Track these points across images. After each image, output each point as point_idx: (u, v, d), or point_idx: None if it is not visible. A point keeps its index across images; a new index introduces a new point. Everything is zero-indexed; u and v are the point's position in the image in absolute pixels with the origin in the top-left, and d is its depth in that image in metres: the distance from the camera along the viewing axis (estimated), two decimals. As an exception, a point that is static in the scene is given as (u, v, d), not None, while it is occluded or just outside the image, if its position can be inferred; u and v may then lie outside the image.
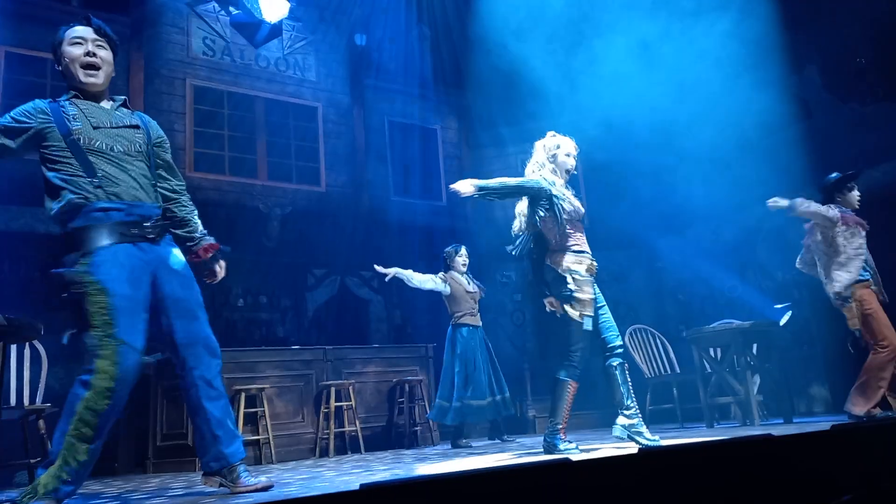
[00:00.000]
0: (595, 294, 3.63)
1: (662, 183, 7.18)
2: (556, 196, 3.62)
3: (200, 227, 2.76)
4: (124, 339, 2.31)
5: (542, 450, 3.68)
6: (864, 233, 4.48)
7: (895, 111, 6.24)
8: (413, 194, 9.03)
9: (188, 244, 2.72)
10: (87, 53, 2.47)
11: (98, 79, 2.49)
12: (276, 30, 8.14)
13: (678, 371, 6.07)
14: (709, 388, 5.51)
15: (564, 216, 3.59)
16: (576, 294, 3.53)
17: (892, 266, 4.78)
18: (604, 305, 3.67)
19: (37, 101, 2.46)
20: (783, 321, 5.73)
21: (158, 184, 2.62)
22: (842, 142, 6.50)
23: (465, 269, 5.76)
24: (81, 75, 2.46)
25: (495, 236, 8.77)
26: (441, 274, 5.70)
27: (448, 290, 5.62)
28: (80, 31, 2.51)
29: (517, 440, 5.62)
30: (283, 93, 8.20)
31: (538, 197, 3.64)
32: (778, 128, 6.97)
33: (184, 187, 2.74)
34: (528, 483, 1.81)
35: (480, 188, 3.57)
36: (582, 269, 3.59)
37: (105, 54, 2.54)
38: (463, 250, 5.83)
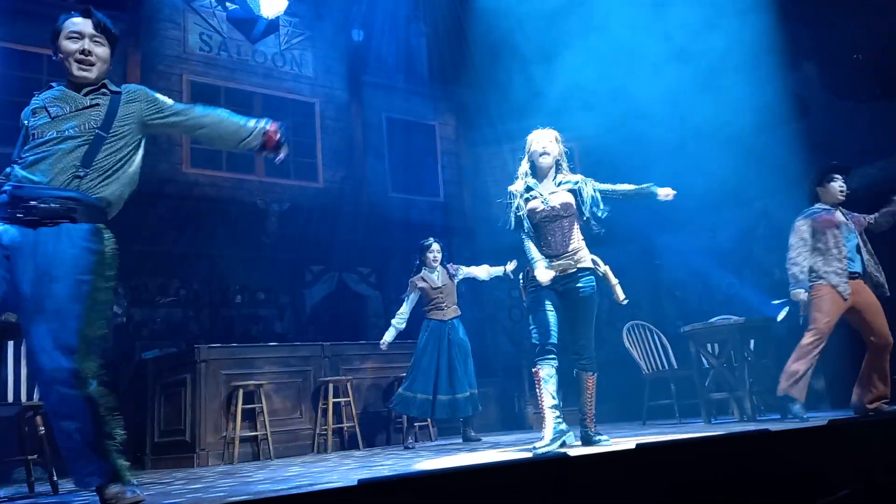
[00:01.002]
0: (566, 299, 3.70)
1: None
2: (512, 205, 3.73)
3: (247, 124, 2.63)
4: None
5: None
6: (836, 231, 4.51)
7: (893, 108, 6.24)
8: (411, 190, 9.03)
9: (242, 144, 2.64)
10: (83, 51, 2.43)
11: (91, 73, 2.45)
12: (272, 25, 8.13)
13: (676, 367, 6.08)
14: (706, 383, 5.52)
15: (525, 221, 3.70)
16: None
17: (889, 262, 4.78)
18: (574, 315, 3.72)
19: (27, 108, 2.47)
20: (780, 317, 5.74)
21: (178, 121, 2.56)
22: (839, 139, 6.51)
23: (436, 266, 5.70)
24: (74, 69, 2.44)
25: (493, 232, 8.77)
26: (409, 292, 5.69)
27: (417, 295, 5.67)
28: (80, 24, 2.47)
29: (482, 439, 5.58)
30: (281, 88, 8.19)
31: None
32: (775, 125, 6.97)
33: (183, 109, 2.60)
34: (526, 478, 1.81)
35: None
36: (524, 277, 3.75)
37: (102, 51, 2.49)
38: (433, 246, 5.75)
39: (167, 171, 7.15)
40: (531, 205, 3.68)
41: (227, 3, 7.96)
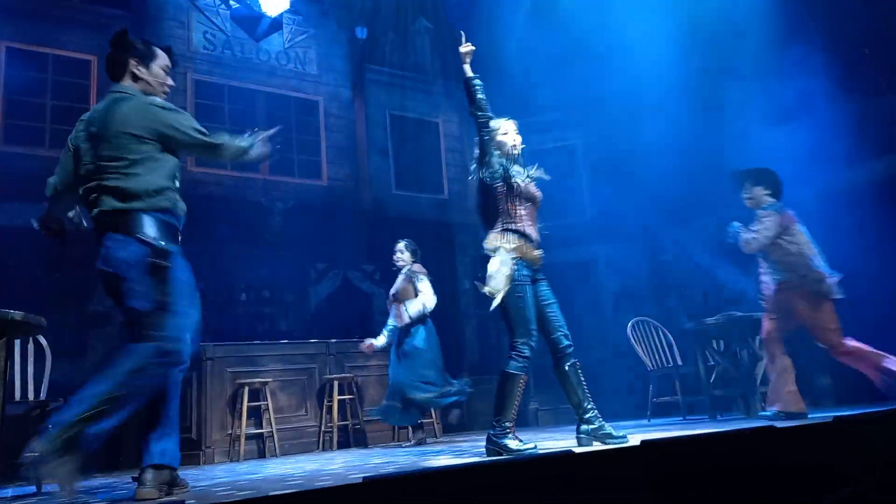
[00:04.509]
0: (535, 285, 3.38)
1: (667, 176, 7.17)
2: (509, 167, 3.49)
3: None
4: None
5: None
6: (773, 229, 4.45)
7: (899, 102, 6.20)
8: (415, 188, 9.02)
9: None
10: (170, 85, 2.89)
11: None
12: (276, 23, 8.13)
13: (681, 363, 6.07)
14: (711, 380, 5.52)
15: (516, 190, 3.43)
16: (491, 273, 3.24)
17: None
18: (553, 303, 3.42)
19: None
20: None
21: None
22: (846, 134, 6.48)
23: (400, 266, 5.49)
24: (161, 95, 2.82)
25: (497, 230, 8.77)
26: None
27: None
28: (167, 60, 2.87)
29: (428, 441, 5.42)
30: (285, 87, 8.19)
31: (490, 157, 3.52)
32: (781, 120, 6.94)
33: None
34: (531, 475, 1.81)
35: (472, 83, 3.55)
36: (508, 247, 3.31)
37: None
38: (396, 246, 5.56)
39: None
40: (520, 178, 3.51)
41: (231, 2, 7.97)
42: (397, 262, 5.50)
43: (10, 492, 3.85)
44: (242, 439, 5.31)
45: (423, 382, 5.15)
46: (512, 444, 3.10)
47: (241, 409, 5.35)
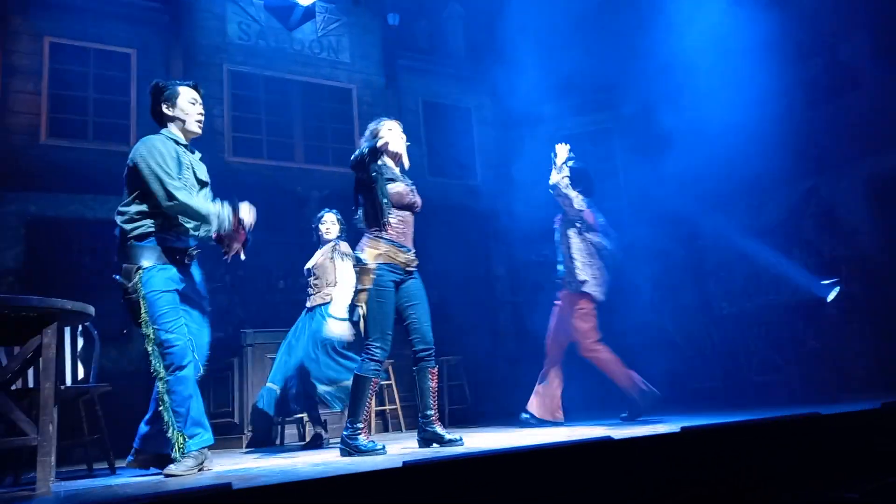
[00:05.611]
0: (403, 285, 3.47)
1: (705, 159, 7.02)
2: (382, 172, 3.46)
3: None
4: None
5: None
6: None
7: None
8: (448, 174, 9.02)
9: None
10: (201, 113, 3.24)
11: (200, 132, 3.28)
12: (309, 12, 8.17)
13: (721, 349, 5.98)
14: (753, 365, 5.43)
15: (386, 197, 3.42)
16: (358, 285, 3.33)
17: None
18: (416, 304, 3.46)
19: (169, 145, 3.07)
20: (830, 298, 5.59)
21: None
22: (891, 113, 6.25)
23: (326, 240, 4.86)
24: (195, 126, 3.22)
25: (531, 215, 8.71)
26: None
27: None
28: (195, 94, 3.21)
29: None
30: (318, 75, 8.24)
31: (365, 168, 3.42)
32: (824, 99, 6.73)
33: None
34: (569, 459, 1.81)
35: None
36: (370, 257, 3.35)
37: None
38: (324, 217, 4.93)
39: (209, 160, 7.24)
40: (398, 187, 3.50)
41: (264, -9, 8.03)
42: (324, 234, 4.89)
43: (63, 472, 4.00)
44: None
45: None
46: (363, 443, 3.19)
47: (280, 394, 5.44)
